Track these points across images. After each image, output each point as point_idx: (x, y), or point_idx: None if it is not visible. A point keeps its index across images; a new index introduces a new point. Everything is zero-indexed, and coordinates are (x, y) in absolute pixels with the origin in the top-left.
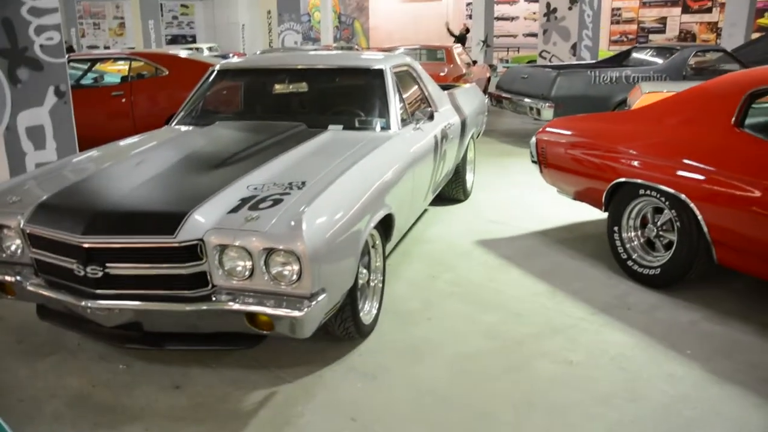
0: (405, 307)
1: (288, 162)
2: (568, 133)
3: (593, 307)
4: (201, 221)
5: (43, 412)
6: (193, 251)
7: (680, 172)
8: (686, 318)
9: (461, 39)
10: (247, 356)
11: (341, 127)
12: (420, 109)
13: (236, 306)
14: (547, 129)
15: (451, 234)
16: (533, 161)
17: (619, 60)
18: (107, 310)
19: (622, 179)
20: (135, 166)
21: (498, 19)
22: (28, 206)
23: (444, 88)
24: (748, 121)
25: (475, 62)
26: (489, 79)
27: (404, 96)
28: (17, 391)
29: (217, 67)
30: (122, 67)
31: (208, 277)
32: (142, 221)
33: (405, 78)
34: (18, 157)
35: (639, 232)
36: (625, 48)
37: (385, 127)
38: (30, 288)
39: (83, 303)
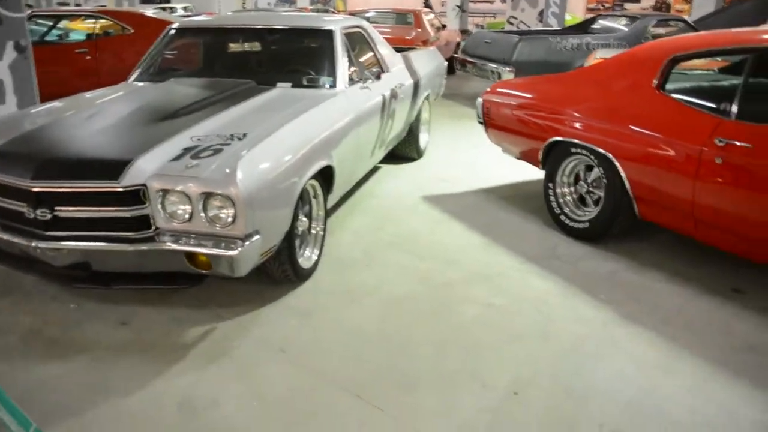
0: (347, 255)
1: (233, 116)
2: (511, 93)
3: (524, 257)
4: (144, 168)
5: None
6: (136, 195)
7: (606, 132)
8: (607, 268)
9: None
10: (191, 296)
11: (290, 84)
12: (369, 70)
13: (176, 246)
14: (495, 89)
15: (400, 190)
16: (479, 122)
17: (585, 28)
18: (56, 251)
19: (557, 138)
20: (87, 118)
21: None
22: None
23: (402, 51)
24: (671, 85)
25: (444, 26)
26: (458, 44)
27: (354, 56)
28: None
29: (175, 26)
30: (90, 25)
31: (151, 219)
32: (89, 167)
33: (356, 39)
34: None
35: (572, 189)
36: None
37: (332, 86)
38: None
39: (33, 244)
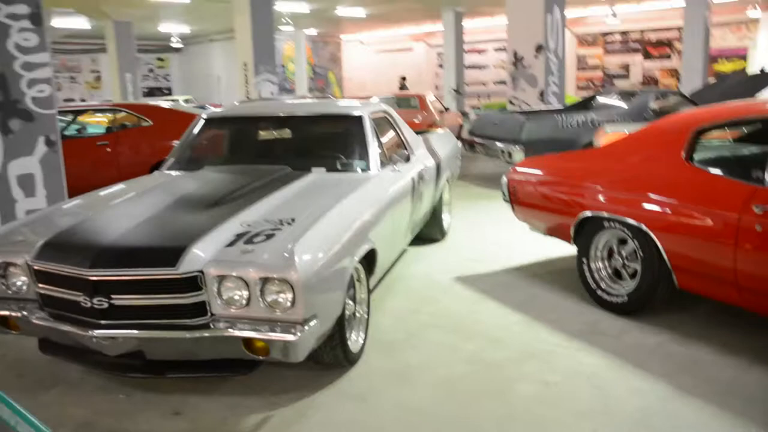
0: (390, 337)
1: (277, 201)
2: (537, 171)
3: (567, 333)
4: (200, 254)
5: None
6: (193, 282)
7: (640, 205)
8: (653, 341)
9: (402, 88)
10: (242, 384)
11: (324, 169)
12: (397, 152)
13: (235, 332)
14: (517, 169)
15: (431, 271)
16: (505, 200)
17: (585, 105)
18: (112, 339)
19: (588, 213)
20: (133, 207)
21: (468, 67)
22: (33, 245)
23: (418, 133)
24: (698, 156)
25: (447, 109)
26: (461, 126)
27: (382, 140)
28: None
29: (204, 116)
30: (102, 118)
31: (207, 306)
32: (146, 255)
33: (382, 123)
34: (9, 205)
35: (606, 263)
36: (590, 94)
37: (365, 169)
38: (36, 321)
39: (89, 333)
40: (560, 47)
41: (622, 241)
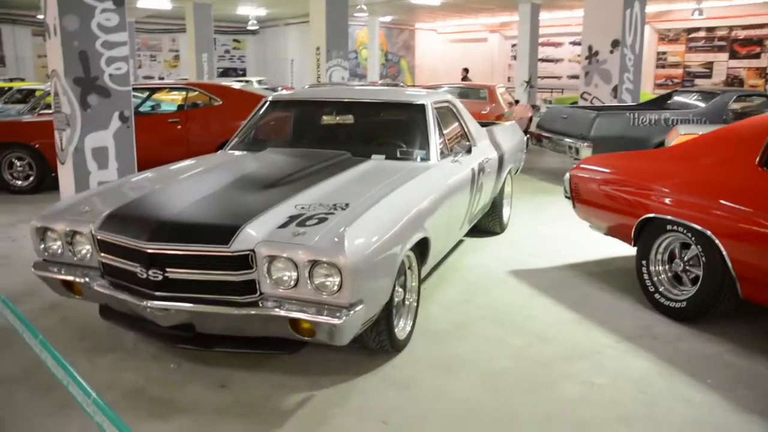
0: (438, 327)
1: (333, 186)
2: (601, 169)
3: (619, 335)
4: (253, 234)
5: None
6: (244, 261)
7: (707, 210)
8: (710, 350)
9: (465, 79)
10: (287, 363)
11: (383, 157)
12: (459, 143)
13: (282, 312)
14: (581, 165)
15: (486, 263)
16: (566, 197)
17: (660, 103)
18: (165, 311)
19: (651, 215)
20: (193, 184)
21: (543, 60)
22: (98, 215)
23: (484, 125)
24: None
25: (517, 102)
26: (531, 119)
27: (444, 130)
28: None
29: (270, 98)
30: (175, 96)
31: (257, 285)
32: (201, 231)
33: (445, 113)
34: (83, 175)
35: (666, 267)
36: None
37: (425, 158)
38: (97, 288)
39: (144, 303)
40: (638, 43)
41: (685, 246)
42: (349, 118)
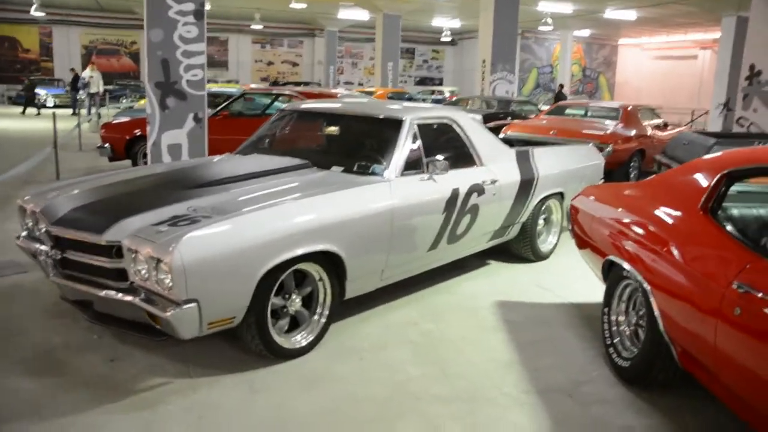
0: (352, 343)
1: (250, 191)
2: (586, 199)
3: (536, 386)
4: (126, 228)
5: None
6: (118, 251)
7: (644, 255)
8: (622, 422)
9: (559, 96)
10: (185, 350)
11: (341, 169)
12: (435, 162)
13: (126, 297)
14: (579, 196)
15: (481, 290)
16: (568, 229)
17: None
18: (66, 286)
19: (612, 257)
20: (129, 183)
21: None
22: (49, 201)
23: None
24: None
25: (666, 125)
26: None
27: (429, 148)
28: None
29: (281, 108)
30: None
31: (127, 273)
32: (87, 221)
33: (441, 131)
34: None
35: (627, 318)
36: None
37: (378, 173)
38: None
39: (51, 275)
40: None
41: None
42: (333, 130)
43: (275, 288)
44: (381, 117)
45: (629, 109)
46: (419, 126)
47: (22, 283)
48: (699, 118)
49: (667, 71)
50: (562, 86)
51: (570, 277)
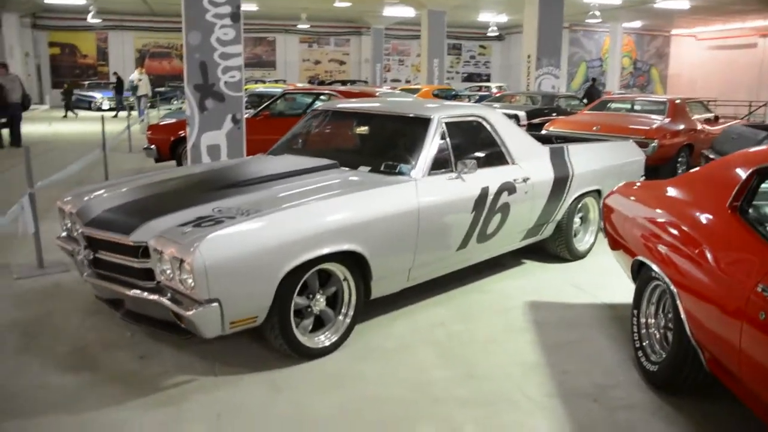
0: (377, 343)
1: (275, 192)
2: (618, 197)
3: (560, 390)
4: (153, 229)
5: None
6: (144, 251)
7: (672, 254)
8: (652, 430)
9: (592, 90)
10: (215, 348)
11: (368, 169)
12: (464, 160)
13: (151, 296)
14: (611, 193)
15: (512, 289)
16: (600, 229)
17: None
18: (99, 285)
19: (641, 258)
20: (161, 185)
21: None
22: (84, 203)
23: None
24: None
25: (717, 118)
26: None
27: (459, 146)
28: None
29: (315, 107)
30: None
31: (154, 273)
32: (116, 223)
33: (470, 129)
34: None
35: (656, 320)
36: None
37: (405, 173)
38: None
39: (84, 275)
40: None
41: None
42: (362, 130)
43: (298, 288)
44: (409, 116)
45: (677, 102)
46: (447, 125)
47: (64, 282)
48: (758, 110)
49: (723, 61)
50: (594, 80)
51: (607, 276)
